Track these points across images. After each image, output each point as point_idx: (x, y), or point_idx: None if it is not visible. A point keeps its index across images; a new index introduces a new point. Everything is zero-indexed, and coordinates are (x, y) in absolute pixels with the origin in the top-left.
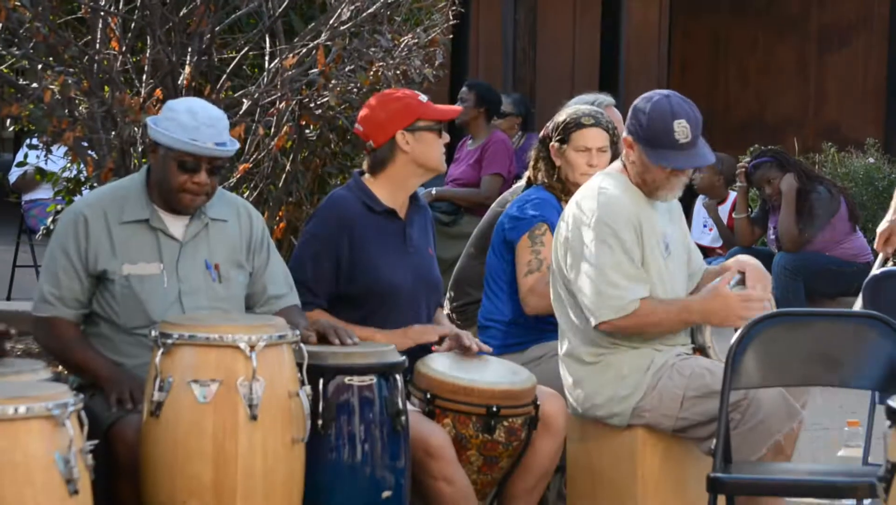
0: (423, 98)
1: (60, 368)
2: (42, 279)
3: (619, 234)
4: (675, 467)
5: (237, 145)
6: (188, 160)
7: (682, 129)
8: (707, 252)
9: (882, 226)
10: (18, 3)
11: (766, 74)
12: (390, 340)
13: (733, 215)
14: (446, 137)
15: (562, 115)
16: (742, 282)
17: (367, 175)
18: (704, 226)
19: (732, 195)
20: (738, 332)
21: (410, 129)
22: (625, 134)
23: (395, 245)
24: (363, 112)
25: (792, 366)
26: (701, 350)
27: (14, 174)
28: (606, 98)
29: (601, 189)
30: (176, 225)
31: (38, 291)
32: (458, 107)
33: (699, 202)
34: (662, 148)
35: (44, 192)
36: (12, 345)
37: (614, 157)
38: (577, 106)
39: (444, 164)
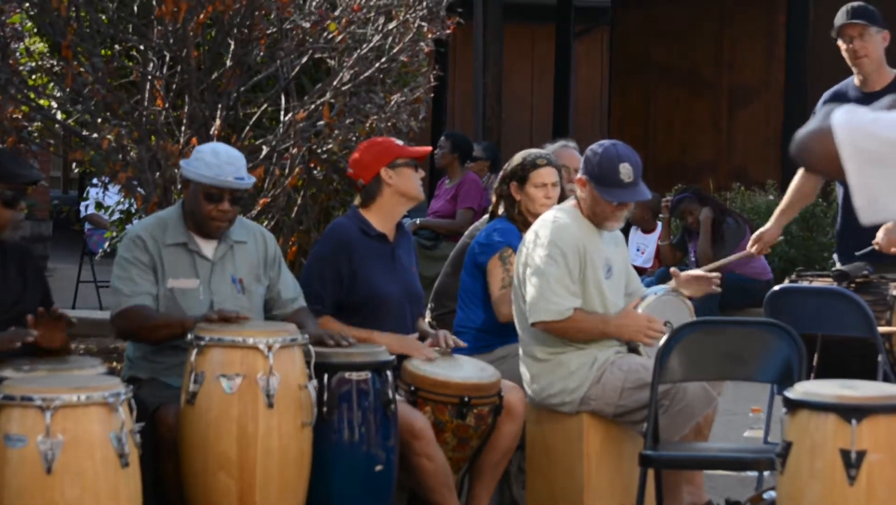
0: (400, 142)
1: (114, 363)
2: (117, 286)
3: (566, 255)
4: (615, 446)
5: (254, 180)
6: (213, 192)
7: (626, 171)
8: (640, 271)
9: (759, 231)
10: (82, 69)
11: (687, 126)
12: (388, 340)
13: (659, 242)
14: (422, 172)
15: (518, 159)
16: (675, 290)
17: (361, 207)
18: (637, 250)
19: (659, 225)
20: (665, 336)
21: (391, 165)
22: (579, 175)
23: (385, 263)
24: (353, 157)
25: (708, 363)
26: (634, 350)
27: (82, 206)
28: (570, 143)
29: (555, 219)
30: (207, 247)
31: (115, 295)
32: (427, 147)
33: (633, 231)
34: (610, 186)
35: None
36: (76, 345)
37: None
38: (528, 150)
39: (421, 192)
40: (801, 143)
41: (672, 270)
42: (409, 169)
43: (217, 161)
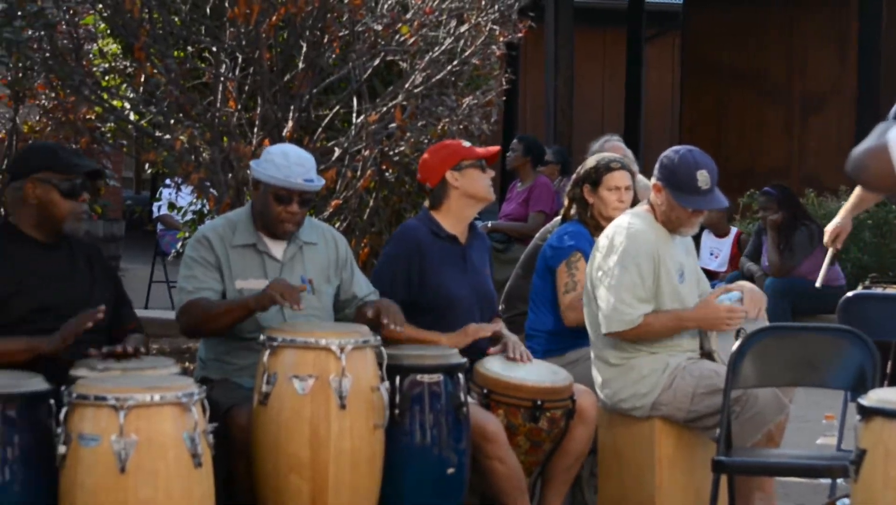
0: (467, 143)
1: (187, 364)
2: (182, 284)
3: (639, 261)
4: (686, 452)
5: (323, 182)
6: (283, 193)
7: (703, 178)
8: (713, 275)
9: (831, 225)
10: (155, 71)
11: (758, 131)
12: (452, 340)
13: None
14: (491, 172)
15: (591, 162)
16: (741, 300)
17: (432, 209)
18: (711, 254)
19: (733, 229)
20: (738, 341)
21: (457, 167)
22: (654, 180)
23: (456, 265)
24: (420, 161)
25: (781, 369)
26: (707, 355)
27: (155, 207)
28: (613, 137)
29: (629, 224)
30: (276, 248)
31: (179, 294)
32: (494, 147)
33: (705, 235)
34: (688, 193)
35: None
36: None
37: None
38: (602, 154)
39: (490, 192)
40: (857, 161)
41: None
42: (476, 170)
43: (286, 163)
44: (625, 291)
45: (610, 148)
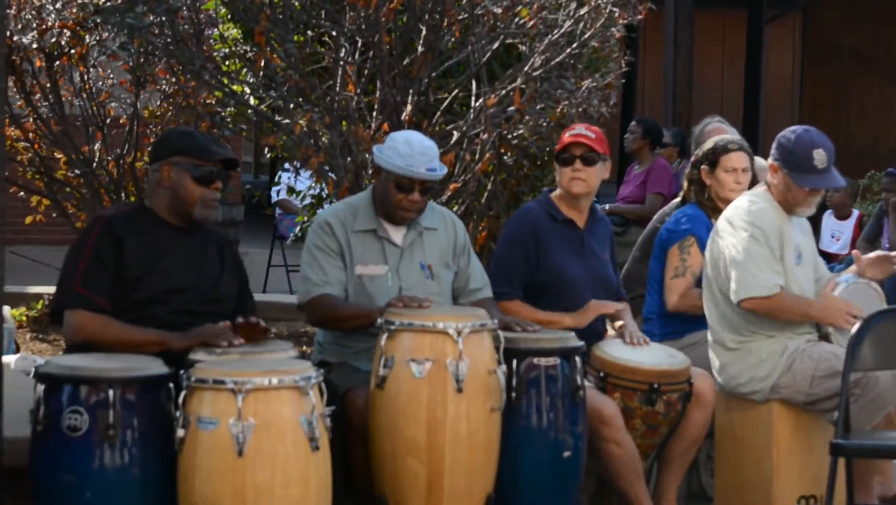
0: (572, 132)
1: (304, 347)
2: (306, 273)
3: (767, 235)
4: (805, 435)
5: (445, 170)
6: (404, 182)
7: (820, 158)
8: (833, 258)
9: None
10: (275, 55)
11: (880, 113)
12: (576, 319)
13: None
14: (581, 169)
15: (709, 143)
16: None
17: (553, 192)
18: (832, 236)
19: (855, 212)
20: (857, 324)
21: (557, 158)
22: (771, 161)
23: (573, 248)
24: None
25: None
26: (825, 337)
27: (273, 191)
28: (714, 118)
29: (751, 202)
30: (396, 234)
31: (304, 283)
32: (568, 138)
33: (826, 216)
34: (804, 172)
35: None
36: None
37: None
38: (721, 136)
39: (573, 185)
40: None
41: (854, 252)
42: (557, 164)
43: (410, 151)
44: (759, 260)
45: (711, 130)
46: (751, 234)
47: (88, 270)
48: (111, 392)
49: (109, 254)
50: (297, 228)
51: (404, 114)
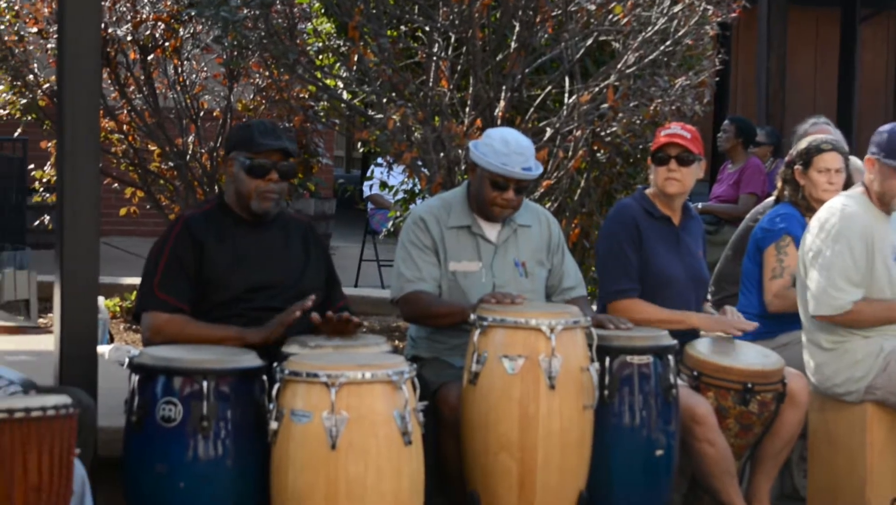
0: (667, 131)
1: (396, 342)
2: (400, 269)
3: (852, 244)
4: None
5: (540, 169)
6: (499, 180)
7: None
8: None
9: None
10: (368, 50)
11: None
12: (704, 322)
13: None
14: (677, 169)
15: (803, 143)
16: None
17: (648, 189)
18: None
19: None
20: None
21: (652, 157)
22: (867, 157)
23: (670, 246)
24: None
25: None
26: None
27: (366, 186)
28: (820, 119)
29: (843, 206)
30: (491, 230)
31: (398, 279)
32: (664, 138)
33: None
34: None
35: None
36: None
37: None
38: (815, 135)
39: (668, 185)
40: None
41: None
42: (652, 163)
43: (506, 150)
44: (836, 273)
45: (816, 131)
46: (835, 242)
47: (167, 273)
48: (205, 383)
49: (188, 256)
50: (390, 223)
51: (497, 110)
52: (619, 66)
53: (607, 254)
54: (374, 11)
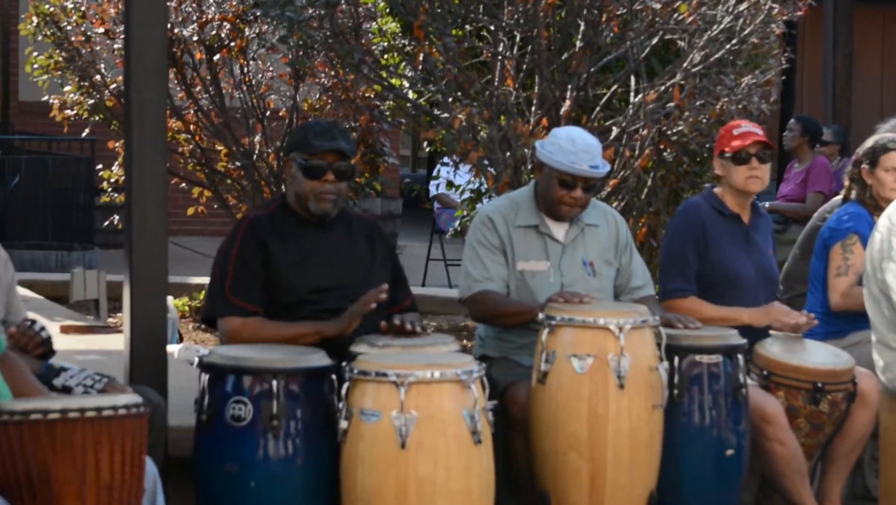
0: (739, 129)
1: (465, 341)
2: (468, 269)
3: None
4: None
5: (608, 168)
6: (567, 179)
7: None
8: None
9: None
10: (434, 49)
11: None
12: (754, 316)
13: None
14: (758, 167)
15: (870, 142)
16: None
17: (716, 188)
18: None
19: None
20: None
21: (720, 156)
22: None
23: (739, 244)
24: None
25: None
26: None
27: (432, 185)
28: None
29: None
30: (558, 230)
31: (466, 278)
32: (749, 138)
33: None
34: None
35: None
36: (426, 322)
37: None
38: (883, 133)
39: (749, 184)
40: None
41: None
42: (729, 162)
43: (573, 148)
44: None
45: (891, 129)
46: None
47: (237, 277)
48: (275, 383)
49: (256, 258)
50: (456, 223)
51: (563, 109)
52: (684, 64)
53: (668, 252)
54: (439, 11)
